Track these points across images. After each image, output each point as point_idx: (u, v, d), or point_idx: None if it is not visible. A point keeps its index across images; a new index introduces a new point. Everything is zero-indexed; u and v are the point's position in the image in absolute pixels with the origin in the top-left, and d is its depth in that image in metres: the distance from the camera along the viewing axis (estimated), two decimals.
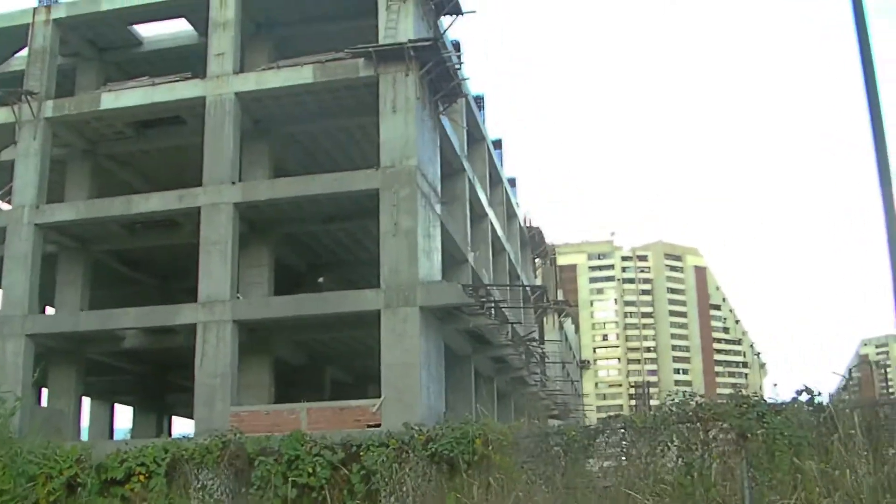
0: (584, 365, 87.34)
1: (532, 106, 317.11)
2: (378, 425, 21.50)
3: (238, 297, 26.09)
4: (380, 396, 23.45)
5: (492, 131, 42.25)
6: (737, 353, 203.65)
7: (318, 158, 31.89)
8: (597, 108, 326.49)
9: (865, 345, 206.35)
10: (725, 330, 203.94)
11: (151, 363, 36.22)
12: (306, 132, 30.26)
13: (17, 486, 13.56)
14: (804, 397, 13.11)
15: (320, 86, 26.54)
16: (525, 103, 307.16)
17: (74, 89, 30.47)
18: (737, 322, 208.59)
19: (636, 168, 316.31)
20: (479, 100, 39.38)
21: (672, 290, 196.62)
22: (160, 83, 27.91)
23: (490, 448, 13.28)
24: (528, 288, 43.63)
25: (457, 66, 27.73)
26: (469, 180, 33.20)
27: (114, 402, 41.22)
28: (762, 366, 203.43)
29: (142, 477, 13.72)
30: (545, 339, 50.86)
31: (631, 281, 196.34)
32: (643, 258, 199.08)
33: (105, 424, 40.24)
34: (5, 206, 30.32)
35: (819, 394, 13.17)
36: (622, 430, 13.71)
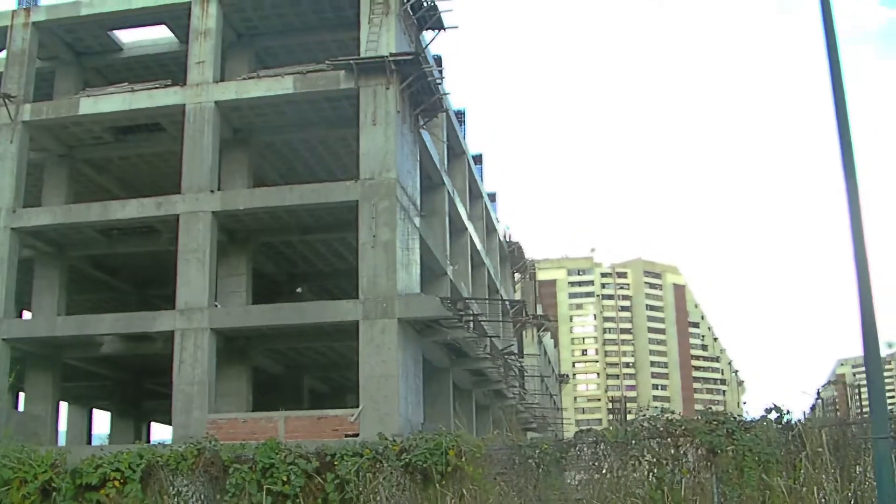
0: (562, 379, 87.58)
1: (513, 122, 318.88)
2: (356, 435, 21.51)
3: (216, 306, 26.07)
4: (358, 407, 23.50)
5: (473, 146, 42.49)
6: (715, 370, 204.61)
7: (298, 169, 31.96)
8: (579, 125, 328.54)
9: (842, 364, 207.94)
10: (704, 347, 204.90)
11: (129, 369, 36.09)
12: (286, 142, 30.32)
13: None
14: (773, 415, 13.27)
15: (301, 96, 26.64)
16: (507, 119, 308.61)
17: (53, 93, 30.32)
18: (715, 340, 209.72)
19: (617, 185, 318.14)
20: (461, 114, 39.59)
21: (651, 307, 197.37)
22: (139, 89, 27.85)
23: (464, 459, 13.32)
24: (507, 302, 43.82)
25: (438, 81, 27.88)
26: (449, 194, 33.32)
27: (92, 407, 41.06)
28: (740, 383, 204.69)
29: (117, 483, 13.62)
30: (524, 352, 51.06)
31: (610, 297, 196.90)
32: (623, 275, 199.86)
33: (83, 430, 40.08)
34: None
35: (788, 412, 13.32)
36: (594, 444, 13.80)
